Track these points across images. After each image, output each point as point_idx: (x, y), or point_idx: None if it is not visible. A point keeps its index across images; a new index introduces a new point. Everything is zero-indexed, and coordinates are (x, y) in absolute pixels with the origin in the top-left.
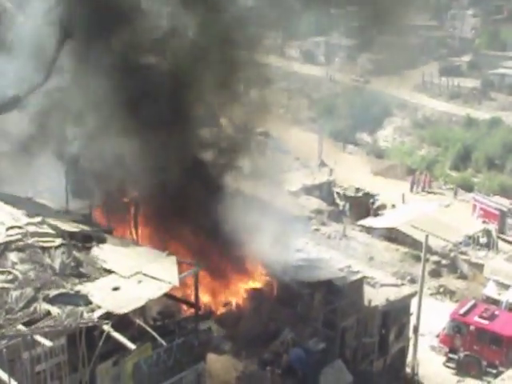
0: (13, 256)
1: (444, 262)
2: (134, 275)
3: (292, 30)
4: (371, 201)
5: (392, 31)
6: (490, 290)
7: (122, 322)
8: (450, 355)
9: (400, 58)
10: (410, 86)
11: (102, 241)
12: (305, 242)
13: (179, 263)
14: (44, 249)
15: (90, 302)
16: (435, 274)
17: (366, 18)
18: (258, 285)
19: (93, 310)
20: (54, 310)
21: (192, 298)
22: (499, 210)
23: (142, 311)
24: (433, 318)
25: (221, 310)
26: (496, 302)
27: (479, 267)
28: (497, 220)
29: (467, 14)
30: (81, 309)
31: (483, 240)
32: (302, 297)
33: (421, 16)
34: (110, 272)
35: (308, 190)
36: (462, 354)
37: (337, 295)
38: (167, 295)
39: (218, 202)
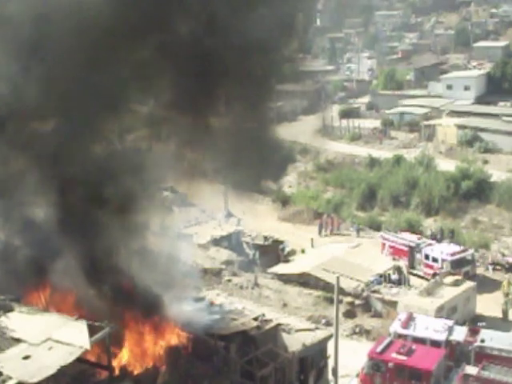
0: None
1: (357, 302)
2: (44, 342)
3: None
4: (280, 247)
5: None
6: (395, 326)
7: None
8: None
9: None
10: (310, 130)
11: (9, 310)
12: (217, 293)
13: (90, 326)
14: None
15: (1, 373)
16: (350, 314)
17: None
18: (173, 341)
19: (4, 382)
20: None
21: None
22: (407, 245)
23: (55, 378)
24: (351, 358)
25: (137, 370)
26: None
27: (392, 304)
28: (406, 256)
29: (362, 56)
30: None
31: (395, 277)
32: (218, 349)
33: (317, 62)
34: (19, 341)
35: (217, 242)
36: None
37: (252, 345)
38: (80, 359)
39: (126, 259)
